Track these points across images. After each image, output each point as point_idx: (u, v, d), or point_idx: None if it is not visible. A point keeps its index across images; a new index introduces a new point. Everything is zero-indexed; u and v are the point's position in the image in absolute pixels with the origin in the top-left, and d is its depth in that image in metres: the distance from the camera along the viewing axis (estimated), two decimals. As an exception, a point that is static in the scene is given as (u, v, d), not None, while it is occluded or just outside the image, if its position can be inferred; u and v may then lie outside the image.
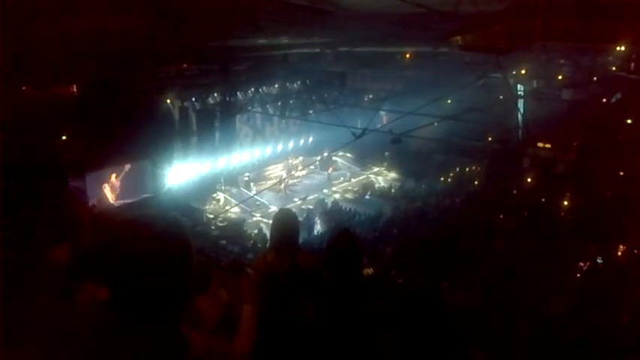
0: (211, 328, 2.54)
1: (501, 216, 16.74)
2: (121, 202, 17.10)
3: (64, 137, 14.77)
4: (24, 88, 13.70)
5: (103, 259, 1.57)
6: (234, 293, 2.76)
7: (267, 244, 4.39)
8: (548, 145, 19.49)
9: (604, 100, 19.16)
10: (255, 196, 19.36)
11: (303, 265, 3.66)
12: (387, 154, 23.28)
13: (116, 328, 1.47)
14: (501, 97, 17.06)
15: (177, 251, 1.52)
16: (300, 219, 4.46)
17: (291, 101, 21.40)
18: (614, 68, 18.13)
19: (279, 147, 22.63)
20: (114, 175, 17.15)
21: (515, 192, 18.95)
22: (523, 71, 18.91)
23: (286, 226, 3.79)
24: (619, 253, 14.34)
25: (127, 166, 17.33)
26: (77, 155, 14.51)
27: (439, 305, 2.66)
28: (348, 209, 20.35)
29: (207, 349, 1.93)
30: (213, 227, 17.88)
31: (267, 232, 16.28)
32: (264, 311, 3.15)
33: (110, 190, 17.01)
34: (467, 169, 22.40)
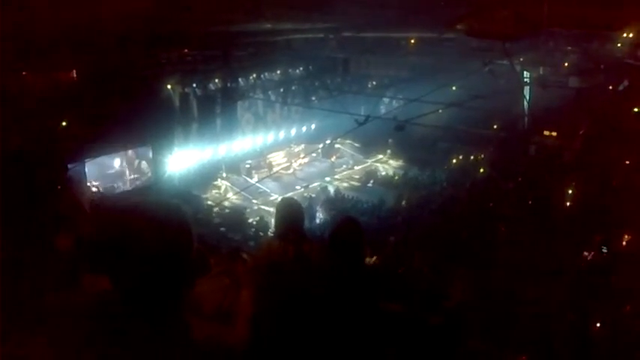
0: (212, 313, 2.53)
1: (506, 205, 16.65)
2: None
3: (64, 123, 14.69)
4: (24, 73, 13.61)
5: (104, 247, 1.56)
6: (234, 278, 2.76)
7: (271, 233, 4.38)
8: (554, 133, 19.39)
9: (611, 87, 18.99)
10: (257, 184, 19.28)
11: (308, 254, 3.64)
12: (390, 141, 23.13)
13: (118, 315, 1.46)
14: (507, 84, 16.92)
15: (179, 238, 1.51)
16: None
17: (293, 88, 21.27)
18: (621, 55, 17.93)
19: (282, 134, 22.50)
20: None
21: (520, 180, 18.83)
22: (529, 58, 18.72)
23: (290, 214, 3.80)
24: (624, 243, 14.26)
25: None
26: (77, 141, 14.43)
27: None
28: (350, 197, 20.27)
29: (208, 335, 1.88)
30: (214, 215, 17.82)
31: (269, 220, 16.33)
32: (269, 299, 3.10)
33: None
34: (472, 157, 22.27)
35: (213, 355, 1.85)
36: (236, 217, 17.87)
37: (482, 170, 20.83)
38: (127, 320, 1.45)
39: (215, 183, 20.30)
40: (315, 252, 3.66)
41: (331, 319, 3.11)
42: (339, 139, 21.46)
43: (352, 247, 3.42)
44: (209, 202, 18.78)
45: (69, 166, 14.51)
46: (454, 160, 22.28)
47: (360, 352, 3.09)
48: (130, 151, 17.76)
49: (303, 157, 22.58)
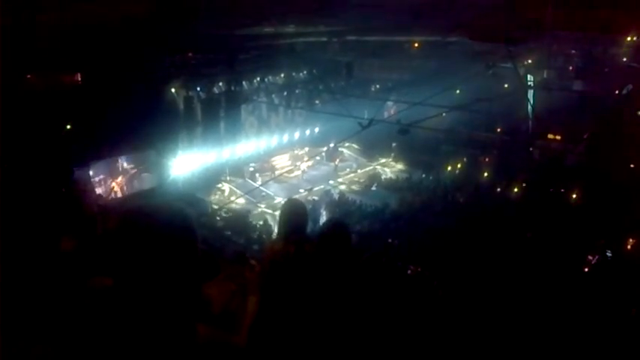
0: (218, 316, 2.54)
1: (510, 208, 16.61)
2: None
3: (68, 126, 14.75)
4: (29, 76, 13.67)
5: (108, 249, 1.55)
6: (240, 283, 2.77)
7: (275, 235, 4.41)
8: (558, 137, 19.36)
9: (615, 91, 18.94)
10: (261, 187, 19.28)
11: (310, 254, 3.65)
12: (394, 145, 23.14)
13: (122, 317, 1.46)
14: (511, 87, 16.91)
15: (183, 241, 1.51)
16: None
17: (297, 91, 21.30)
18: (625, 59, 17.91)
19: (285, 137, 22.52)
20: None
21: (524, 184, 18.79)
22: (533, 61, 18.70)
23: (294, 216, 3.81)
24: (628, 247, 14.21)
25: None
26: (82, 144, 14.48)
27: None
28: (354, 201, 20.25)
29: (211, 339, 1.90)
30: (218, 218, 17.82)
31: (273, 224, 16.32)
32: (270, 299, 3.13)
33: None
34: (475, 161, 22.23)
35: (218, 357, 1.86)
36: (240, 221, 17.86)
37: (485, 174, 20.79)
38: (131, 322, 1.46)
39: (219, 186, 20.32)
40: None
41: (329, 317, 3.13)
42: (342, 143, 21.46)
43: (338, 248, 3.47)
44: (213, 205, 18.79)
45: (74, 168, 14.61)
46: (458, 164, 22.24)
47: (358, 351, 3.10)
48: (129, 169, 17.85)
49: (307, 161, 22.57)
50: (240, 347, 2.25)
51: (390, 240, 15.36)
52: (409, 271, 12.43)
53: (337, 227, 3.63)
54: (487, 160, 21.79)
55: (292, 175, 21.41)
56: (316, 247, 3.55)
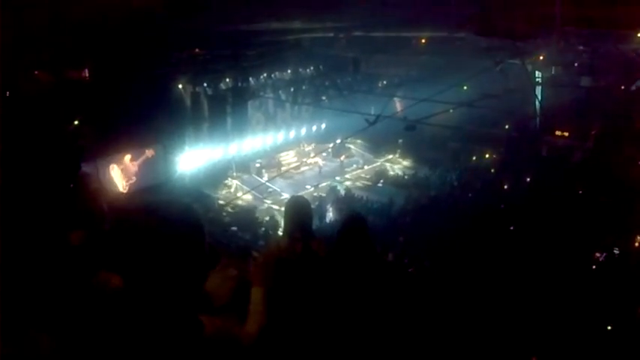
0: (221, 303, 2.55)
1: (517, 204, 16.53)
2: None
3: (75, 122, 14.79)
4: (36, 72, 13.71)
5: (117, 245, 1.60)
6: (242, 269, 2.79)
7: (280, 231, 4.41)
8: (565, 134, 19.27)
9: (623, 87, 18.80)
10: (267, 183, 19.32)
11: (316, 252, 3.65)
12: (400, 141, 23.09)
13: (131, 313, 1.48)
14: (519, 83, 16.80)
15: (191, 237, 1.53)
16: (312, 206, 4.42)
17: (303, 87, 21.30)
18: (634, 55, 17.74)
19: (292, 133, 22.53)
20: (128, 158, 16.92)
21: (531, 181, 18.70)
22: (541, 57, 18.58)
23: (299, 213, 3.78)
24: (636, 244, 14.13)
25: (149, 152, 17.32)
26: (89, 140, 14.52)
27: None
28: (360, 197, 20.24)
29: (218, 330, 1.91)
30: (224, 214, 17.87)
31: (279, 219, 16.37)
32: (278, 296, 3.14)
33: (123, 176, 16.91)
34: (482, 158, 22.15)
35: (225, 350, 1.87)
36: (246, 216, 17.92)
37: (492, 170, 20.71)
38: (138, 317, 1.47)
39: (225, 182, 20.38)
40: (322, 250, 3.68)
41: (338, 315, 3.13)
42: (349, 139, 21.45)
43: (359, 243, 3.45)
44: (220, 201, 18.84)
45: (81, 164, 14.64)
46: (465, 160, 22.17)
47: (366, 348, 3.11)
48: (136, 165, 17.75)
49: (314, 157, 22.59)
50: (248, 338, 2.27)
51: (395, 236, 15.35)
52: (413, 269, 12.43)
53: (357, 222, 3.63)
54: (494, 156, 21.73)
55: (301, 169, 21.47)
56: (337, 243, 3.54)
